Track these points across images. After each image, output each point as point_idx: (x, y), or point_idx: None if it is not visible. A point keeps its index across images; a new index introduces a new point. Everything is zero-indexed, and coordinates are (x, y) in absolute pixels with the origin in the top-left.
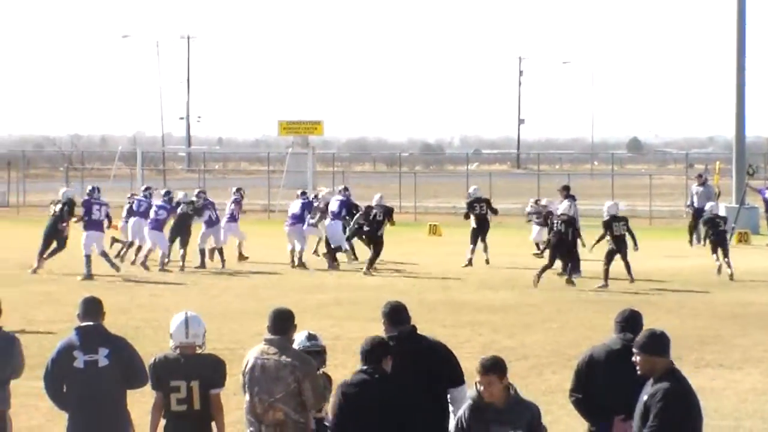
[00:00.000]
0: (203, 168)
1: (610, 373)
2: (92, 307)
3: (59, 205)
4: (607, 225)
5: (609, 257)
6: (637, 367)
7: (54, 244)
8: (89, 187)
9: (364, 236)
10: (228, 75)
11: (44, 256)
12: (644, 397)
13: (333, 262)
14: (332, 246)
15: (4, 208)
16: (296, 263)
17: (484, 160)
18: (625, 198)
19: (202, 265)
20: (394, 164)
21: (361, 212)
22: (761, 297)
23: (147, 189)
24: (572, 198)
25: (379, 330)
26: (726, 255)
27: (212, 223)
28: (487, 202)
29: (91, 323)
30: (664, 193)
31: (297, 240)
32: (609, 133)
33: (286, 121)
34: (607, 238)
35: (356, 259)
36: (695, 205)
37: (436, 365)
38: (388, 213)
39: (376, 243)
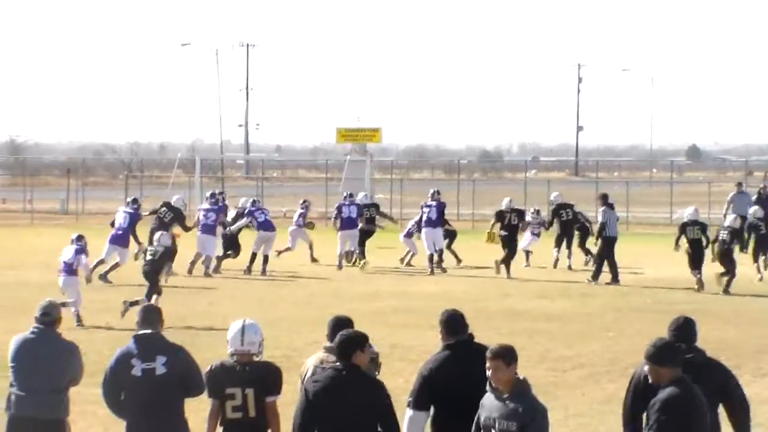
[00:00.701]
0: (261, 175)
1: None
2: (150, 316)
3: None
4: (682, 229)
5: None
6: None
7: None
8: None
9: (501, 239)
10: (286, 82)
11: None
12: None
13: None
14: (429, 252)
15: (64, 215)
16: (351, 262)
17: (543, 167)
18: (683, 206)
19: (255, 269)
20: (453, 171)
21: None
22: None
23: (219, 194)
24: (610, 206)
25: (435, 338)
26: (765, 258)
27: (261, 229)
28: (572, 207)
29: (149, 331)
30: (723, 201)
31: (352, 242)
32: (668, 141)
33: (344, 128)
34: (685, 242)
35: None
36: (734, 213)
37: None
38: (521, 216)
39: (511, 246)
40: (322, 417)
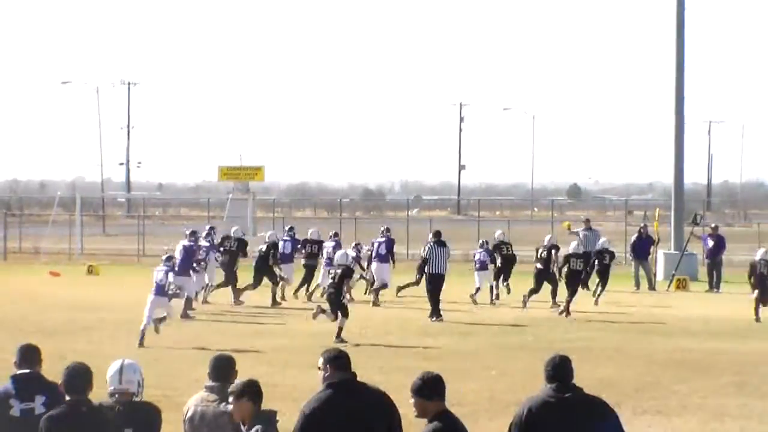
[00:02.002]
0: (143, 214)
1: (549, 427)
2: (29, 355)
3: (264, 246)
4: (566, 260)
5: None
6: (413, 410)
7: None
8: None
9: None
10: (168, 120)
11: (242, 289)
12: None
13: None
14: (378, 283)
15: None
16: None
17: (425, 206)
18: (564, 244)
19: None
20: (335, 210)
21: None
22: (699, 343)
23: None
24: (440, 243)
25: (317, 377)
26: (603, 287)
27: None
28: (510, 245)
29: (27, 371)
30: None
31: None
32: (549, 179)
33: (226, 166)
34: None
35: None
36: (584, 249)
37: (375, 414)
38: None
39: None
40: None
